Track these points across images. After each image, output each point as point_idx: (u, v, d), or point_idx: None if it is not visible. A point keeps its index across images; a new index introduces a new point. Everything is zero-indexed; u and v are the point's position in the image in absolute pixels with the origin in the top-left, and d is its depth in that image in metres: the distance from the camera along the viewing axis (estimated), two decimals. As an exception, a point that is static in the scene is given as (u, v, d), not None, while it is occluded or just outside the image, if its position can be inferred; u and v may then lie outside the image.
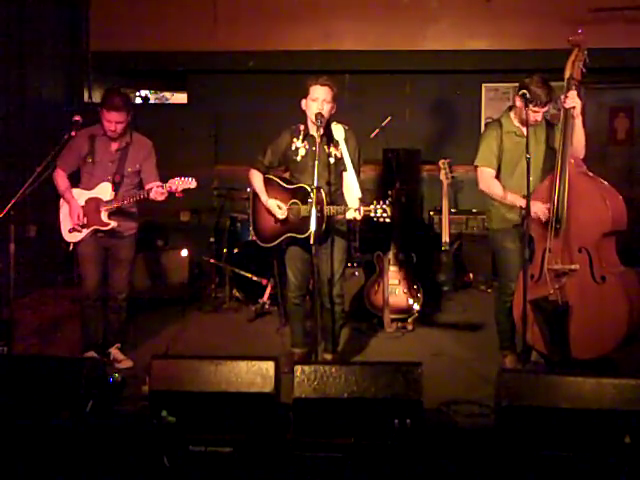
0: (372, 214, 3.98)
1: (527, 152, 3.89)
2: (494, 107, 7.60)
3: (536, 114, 4.21)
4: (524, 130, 4.15)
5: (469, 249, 6.90)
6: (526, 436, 3.13)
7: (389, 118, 6.42)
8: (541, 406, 3.14)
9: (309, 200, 4.08)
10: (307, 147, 4.38)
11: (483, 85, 7.67)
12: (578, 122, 4.14)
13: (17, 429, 3.25)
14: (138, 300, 5.90)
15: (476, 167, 4.44)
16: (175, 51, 7.41)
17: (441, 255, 6.52)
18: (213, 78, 7.77)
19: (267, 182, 4.50)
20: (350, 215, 4.13)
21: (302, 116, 4.36)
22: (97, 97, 7.20)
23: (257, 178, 4.51)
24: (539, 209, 4.14)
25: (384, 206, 3.95)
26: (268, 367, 3.30)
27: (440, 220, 6.59)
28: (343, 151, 4.28)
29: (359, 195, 4.17)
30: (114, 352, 4.74)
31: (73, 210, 4.51)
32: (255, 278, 5.98)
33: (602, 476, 3.00)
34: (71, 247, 4.60)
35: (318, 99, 4.22)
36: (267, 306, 5.96)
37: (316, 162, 3.98)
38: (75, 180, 4.64)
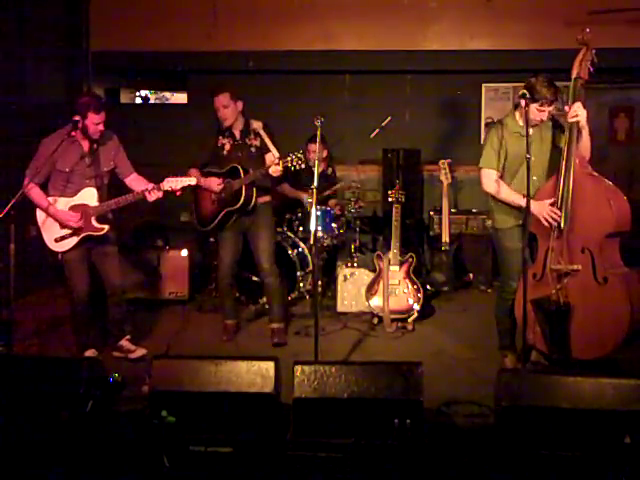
0: (289, 165, 4.63)
1: (527, 152, 3.91)
2: (494, 107, 7.59)
3: (542, 113, 4.20)
4: (529, 130, 4.16)
5: (469, 249, 6.90)
6: (526, 436, 3.13)
7: (389, 118, 6.40)
8: (541, 406, 3.14)
9: (241, 177, 4.85)
10: (231, 142, 5.05)
11: (483, 85, 7.65)
12: (585, 133, 4.12)
13: (17, 429, 3.25)
14: (138, 300, 5.91)
15: (480, 169, 4.44)
16: (175, 51, 7.39)
17: (441, 255, 6.52)
18: (213, 78, 7.75)
19: (205, 174, 5.09)
20: (272, 170, 4.72)
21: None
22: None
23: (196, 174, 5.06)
24: (544, 210, 4.11)
25: (299, 155, 4.63)
26: (268, 367, 3.31)
27: (440, 220, 6.60)
28: (264, 136, 4.98)
29: (277, 155, 4.85)
30: (125, 343, 4.76)
31: (64, 218, 4.44)
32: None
33: (602, 476, 3.00)
34: (60, 257, 4.55)
35: (218, 108, 4.95)
36: (267, 306, 5.96)
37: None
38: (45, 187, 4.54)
